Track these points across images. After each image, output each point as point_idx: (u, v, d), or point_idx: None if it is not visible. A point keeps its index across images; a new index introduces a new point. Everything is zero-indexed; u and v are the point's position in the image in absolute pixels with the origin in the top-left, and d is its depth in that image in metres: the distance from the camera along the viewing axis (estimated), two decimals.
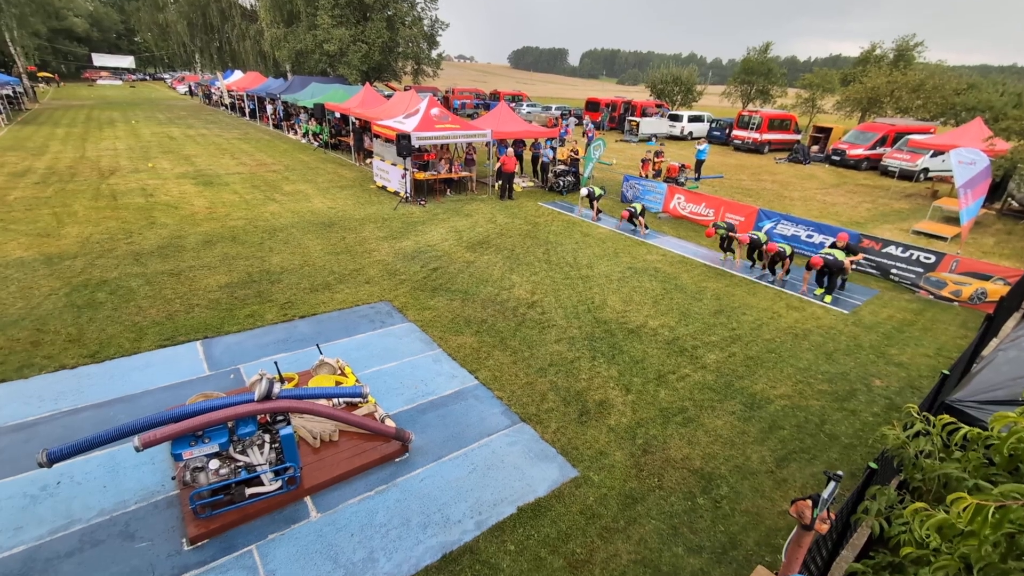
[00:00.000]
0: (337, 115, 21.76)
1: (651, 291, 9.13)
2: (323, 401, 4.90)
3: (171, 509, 4.20)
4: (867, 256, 10.72)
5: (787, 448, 5.38)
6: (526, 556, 3.98)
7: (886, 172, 22.78)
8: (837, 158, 25.23)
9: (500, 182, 15.37)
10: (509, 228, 12.43)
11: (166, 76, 73.97)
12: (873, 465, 3.39)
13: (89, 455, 4.65)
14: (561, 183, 16.32)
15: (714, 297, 9.03)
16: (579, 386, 6.21)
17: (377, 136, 16.05)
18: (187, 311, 7.43)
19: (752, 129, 28.66)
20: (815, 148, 28.49)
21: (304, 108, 24.26)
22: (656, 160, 17.76)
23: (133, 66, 73.95)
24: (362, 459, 4.72)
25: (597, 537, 4.19)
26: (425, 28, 32.58)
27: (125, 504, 4.24)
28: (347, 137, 21.17)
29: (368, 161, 18.15)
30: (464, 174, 16.09)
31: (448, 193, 15.65)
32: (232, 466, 4.09)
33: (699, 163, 19.40)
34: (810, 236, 11.61)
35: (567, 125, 27.33)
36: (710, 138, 31.46)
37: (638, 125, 31.60)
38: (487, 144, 15.73)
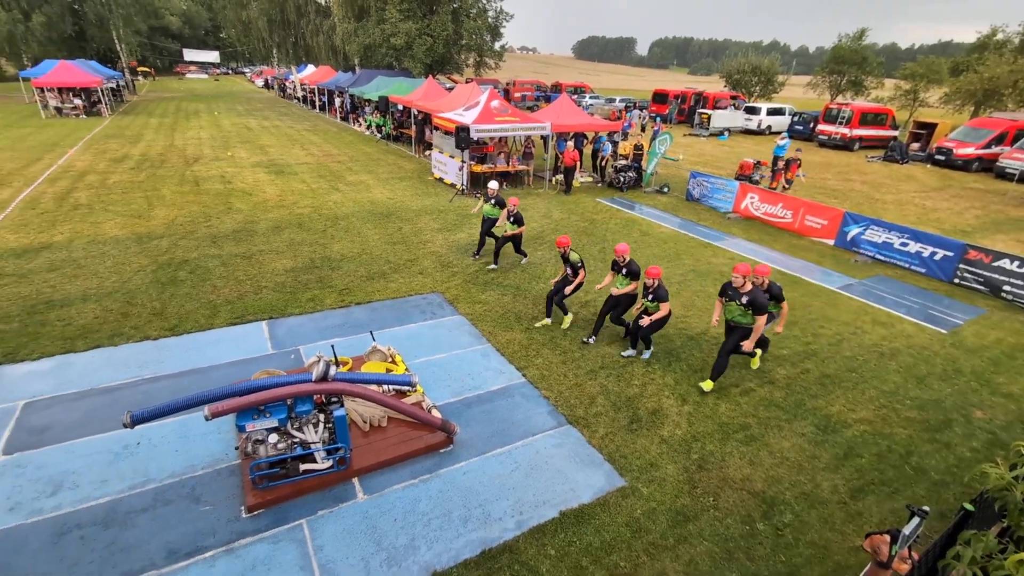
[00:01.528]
0: (400, 107, 22.51)
1: (715, 296, 8.72)
2: (373, 387, 5.11)
3: (233, 478, 4.55)
4: (973, 270, 9.63)
5: (864, 478, 4.96)
6: (567, 563, 3.95)
7: (1003, 175, 20.35)
8: (941, 158, 22.85)
9: (560, 176, 15.29)
10: (564, 224, 12.32)
11: (246, 70, 79.81)
12: (969, 506, 3.05)
13: (164, 421, 5.12)
14: (622, 179, 15.93)
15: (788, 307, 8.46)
16: (631, 392, 6.05)
17: (437, 128, 16.44)
18: (256, 292, 7.99)
19: (841, 124, 26.56)
20: (915, 146, 25.94)
21: (369, 101, 25.32)
22: (787, 171, 16.14)
23: (218, 60, 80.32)
24: (408, 447, 4.87)
25: (643, 552, 4.07)
26: (489, 20, 33.02)
27: (193, 468, 4.64)
28: (408, 129, 21.87)
29: (427, 153, 18.65)
30: (522, 167, 16.15)
31: (504, 186, 15.75)
32: (289, 442, 4.37)
33: (777, 160, 18.25)
34: (904, 244, 10.60)
35: (630, 118, 26.61)
36: (791, 133, 29.54)
37: (709, 118, 30.23)
38: (543, 137, 15.69)
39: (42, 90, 26.78)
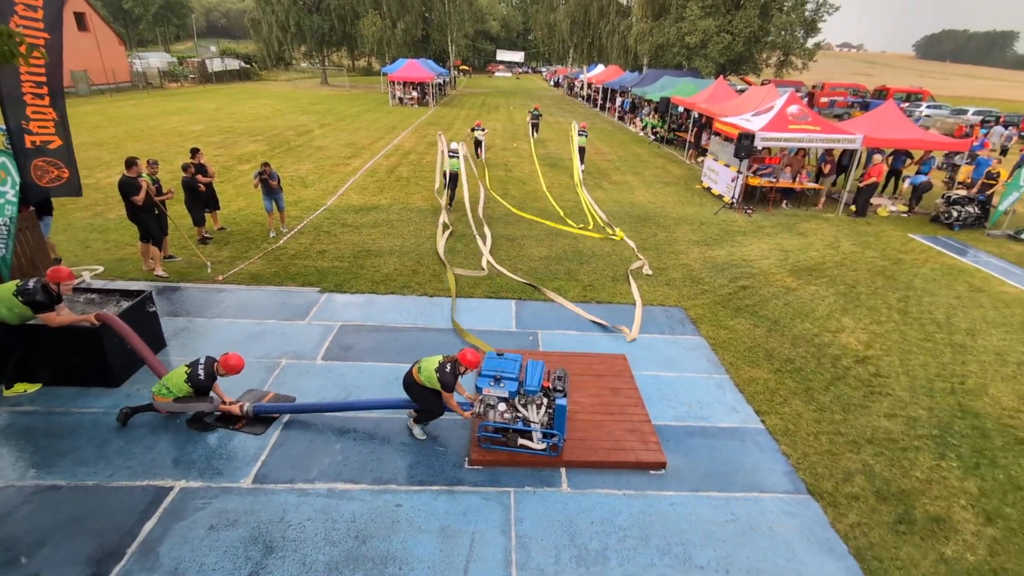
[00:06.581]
0: (680, 109, 22.31)
1: None
2: None
3: (464, 431, 5.50)
4: None
5: None
6: None
7: None
8: None
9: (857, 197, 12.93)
10: (855, 259, 10.39)
11: (543, 69, 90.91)
12: None
13: None
14: (955, 213, 12.61)
15: None
16: (906, 484, 4.87)
17: (717, 134, 15.76)
18: (512, 272, 9.30)
19: None
20: None
21: (649, 101, 25.84)
22: None
23: (522, 60, 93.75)
24: (619, 456, 5.04)
25: None
26: (806, 13, 29.71)
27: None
28: (684, 133, 21.53)
29: (700, 160, 18.06)
30: (812, 186, 14.19)
31: (784, 205, 14.15)
32: (514, 414, 5.06)
33: None
34: None
35: (985, 136, 20.74)
36: None
37: None
38: (830, 152, 13.38)
39: (392, 83, 36.20)
